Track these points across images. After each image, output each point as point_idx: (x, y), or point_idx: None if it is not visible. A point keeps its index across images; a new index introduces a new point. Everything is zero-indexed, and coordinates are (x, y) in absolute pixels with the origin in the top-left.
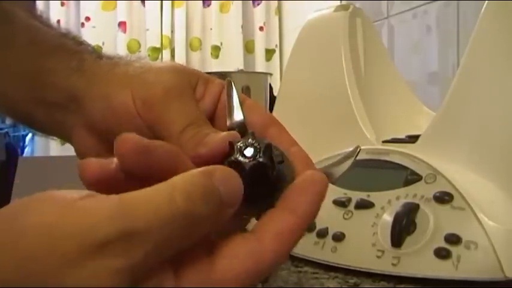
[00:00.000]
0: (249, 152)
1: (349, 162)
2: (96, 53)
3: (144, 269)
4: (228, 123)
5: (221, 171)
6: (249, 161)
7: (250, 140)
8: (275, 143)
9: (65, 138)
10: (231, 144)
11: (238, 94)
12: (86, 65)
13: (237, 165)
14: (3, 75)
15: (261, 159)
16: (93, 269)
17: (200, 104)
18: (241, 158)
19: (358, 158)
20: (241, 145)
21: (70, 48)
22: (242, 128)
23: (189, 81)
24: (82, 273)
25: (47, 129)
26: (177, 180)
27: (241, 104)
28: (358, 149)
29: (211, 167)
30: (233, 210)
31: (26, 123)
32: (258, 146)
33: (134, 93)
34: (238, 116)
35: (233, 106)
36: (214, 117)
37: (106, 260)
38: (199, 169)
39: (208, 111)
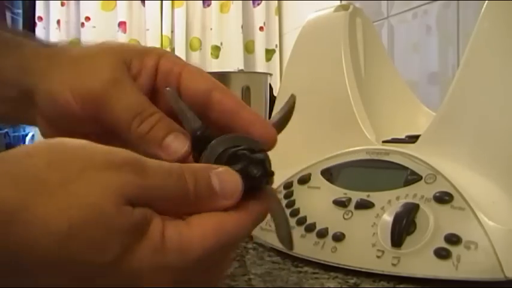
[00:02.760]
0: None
1: (285, 108)
2: (34, 43)
3: (145, 198)
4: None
5: (220, 167)
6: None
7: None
8: (219, 107)
9: (33, 125)
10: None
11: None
12: (25, 61)
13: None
14: None
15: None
16: (112, 175)
17: (139, 80)
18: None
19: (358, 158)
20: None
21: (9, 42)
22: (204, 132)
23: (124, 62)
24: (103, 175)
25: (12, 121)
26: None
27: (180, 75)
28: (294, 98)
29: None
30: (230, 203)
31: None
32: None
33: (73, 90)
34: (195, 122)
35: (186, 115)
36: (155, 89)
37: (123, 173)
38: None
39: (148, 85)
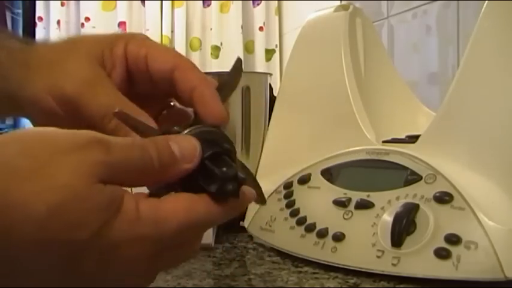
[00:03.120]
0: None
1: (232, 71)
2: (9, 46)
3: (114, 174)
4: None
5: (178, 135)
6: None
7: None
8: (180, 85)
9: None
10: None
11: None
12: (2, 69)
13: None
14: None
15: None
16: (80, 155)
17: (114, 71)
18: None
19: (358, 158)
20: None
21: None
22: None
23: (96, 58)
24: (72, 157)
25: (3, 116)
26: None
27: (146, 57)
28: (240, 61)
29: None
30: (191, 166)
31: None
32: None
33: (52, 95)
34: (150, 131)
35: (140, 129)
36: (130, 75)
37: (90, 152)
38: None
39: (122, 73)
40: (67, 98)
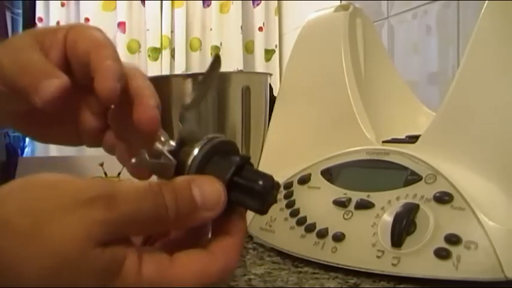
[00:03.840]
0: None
1: (209, 69)
2: None
3: (117, 231)
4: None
5: (201, 177)
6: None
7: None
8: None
9: None
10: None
11: None
12: None
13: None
14: None
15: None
16: (80, 216)
17: (50, 53)
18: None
19: (358, 158)
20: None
21: None
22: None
23: (36, 41)
24: (71, 218)
25: None
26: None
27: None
28: (217, 58)
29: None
30: (212, 215)
31: None
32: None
33: None
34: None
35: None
36: (68, 59)
37: (91, 211)
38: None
39: (59, 56)
40: (4, 71)
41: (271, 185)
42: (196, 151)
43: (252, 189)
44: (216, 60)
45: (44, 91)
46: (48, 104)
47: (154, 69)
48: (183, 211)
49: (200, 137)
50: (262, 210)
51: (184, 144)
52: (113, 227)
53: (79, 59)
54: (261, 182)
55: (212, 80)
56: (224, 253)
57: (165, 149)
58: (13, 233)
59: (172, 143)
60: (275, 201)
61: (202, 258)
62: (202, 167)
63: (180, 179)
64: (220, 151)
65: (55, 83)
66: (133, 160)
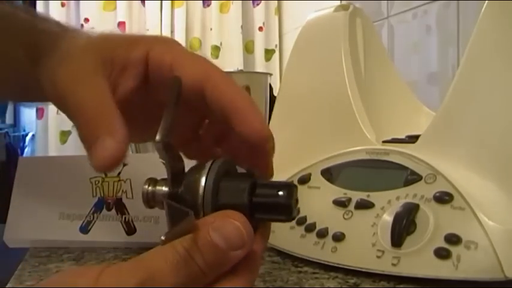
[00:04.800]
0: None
1: (172, 96)
2: (44, 27)
3: None
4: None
5: (218, 218)
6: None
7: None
8: (213, 99)
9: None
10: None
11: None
12: (41, 51)
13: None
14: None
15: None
16: None
17: (124, 75)
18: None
19: (358, 158)
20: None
21: (24, 24)
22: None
23: (103, 62)
24: None
25: (38, 101)
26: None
27: (171, 66)
28: (178, 81)
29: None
30: (243, 252)
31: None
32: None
33: (52, 83)
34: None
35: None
36: (149, 81)
37: None
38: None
39: (135, 78)
40: (56, 85)
41: (291, 191)
42: (201, 188)
43: (275, 204)
44: (176, 82)
45: (97, 156)
46: (101, 170)
47: None
48: (213, 262)
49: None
50: (290, 219)
51: (178, 178)
52: None
53: (187, 94)
54: (281, 193)
55: (178, 103)
56: (247, 272)
57: (165, 200)
58: None
59: (165, 188)
60: (297, 202)
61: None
62: (216, 200)
63: (199, 231)
64: (224, 174)
65: (111, 148)
66: (162, 238)
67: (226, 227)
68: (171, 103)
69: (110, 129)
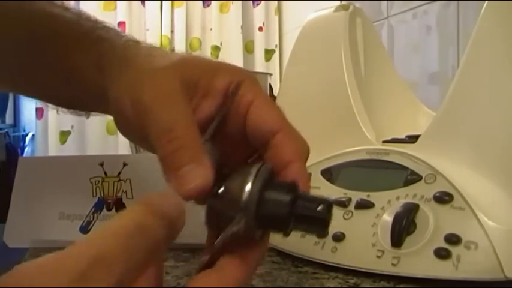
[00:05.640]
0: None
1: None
2: (113, 38)
3: (128, 279)
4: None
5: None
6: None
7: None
8: (274, 154)
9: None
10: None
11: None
12: (103, 61)
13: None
14: (37, 69)
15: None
16: None
17: (205, 101)
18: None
19: (358, 158)
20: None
21: (90, 38)
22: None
23: (187, 83)
24: None
25: (94, 111)
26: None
27: (248, 106)
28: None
29: None
30: (183, 223)
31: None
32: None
33: (131, 100)
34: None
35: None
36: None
37: (93, 284)
38: None
39: (214, 107)
40: (141, 107)
41: (330, 207)
42: (246, 195)
43: (312, 218)
44: (233, 91)
45: (187, 184)
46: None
47: None
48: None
49: (226, 170)
50: (325, 234)
51: (219, 176)
52: (123, 281)
53: (248, 127)
54: (319, 208)
55: (226, 109)
56: (234, 269)
57: (208, 199)
58: None
59: None
60: (331, 218)
61: (216, 277)
62: (258, 209)
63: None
64: (267, 181)
65: (198, 178)
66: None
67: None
68: (223, 108)
69: (197, 157)
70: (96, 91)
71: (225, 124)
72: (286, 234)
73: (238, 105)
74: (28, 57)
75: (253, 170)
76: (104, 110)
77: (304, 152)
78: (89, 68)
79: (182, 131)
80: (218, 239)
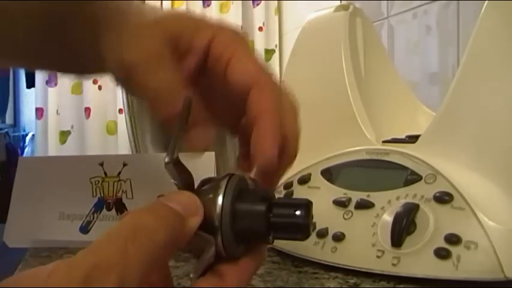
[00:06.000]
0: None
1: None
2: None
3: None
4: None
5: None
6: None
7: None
8: (249, 106)
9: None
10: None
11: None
12: (95, 21)
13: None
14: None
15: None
16: None
17: (186, 59)
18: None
19: (358, 158)
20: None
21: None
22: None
23: (171, 39)
24: None
25: (96, 73)
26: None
27: (228, 62)
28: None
29: None
30: (197, 220)
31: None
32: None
33: (118, 60)
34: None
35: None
36: (205, 71)
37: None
38: None
39: (194, 65)
40: (129, 68)
41: (308, 210)
42: (218, 210)
43: (293, 224)
44: (186, 103)
45: (196, 142)
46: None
47: None
48: (173, 230)
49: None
50: (306, 238)
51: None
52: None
53: (228, 83)
54: (298, 213)
55: (186, 123)
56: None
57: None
58: None
59: None
60: (312, 219)
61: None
62: (233, 224)
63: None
64: (239, 193)
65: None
66: (191, 276)
67: (181, 196)
68: (180, 123)
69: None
70: (91, 54)
71: (211, 86)
72: (269, 243)
73: (217, 63)
74: (38, 32)
75: (223, 183)
76: (100, 71)
77: (276, 111)
78: (85, 32)
79: (167, 89)
80: (198, 265)
